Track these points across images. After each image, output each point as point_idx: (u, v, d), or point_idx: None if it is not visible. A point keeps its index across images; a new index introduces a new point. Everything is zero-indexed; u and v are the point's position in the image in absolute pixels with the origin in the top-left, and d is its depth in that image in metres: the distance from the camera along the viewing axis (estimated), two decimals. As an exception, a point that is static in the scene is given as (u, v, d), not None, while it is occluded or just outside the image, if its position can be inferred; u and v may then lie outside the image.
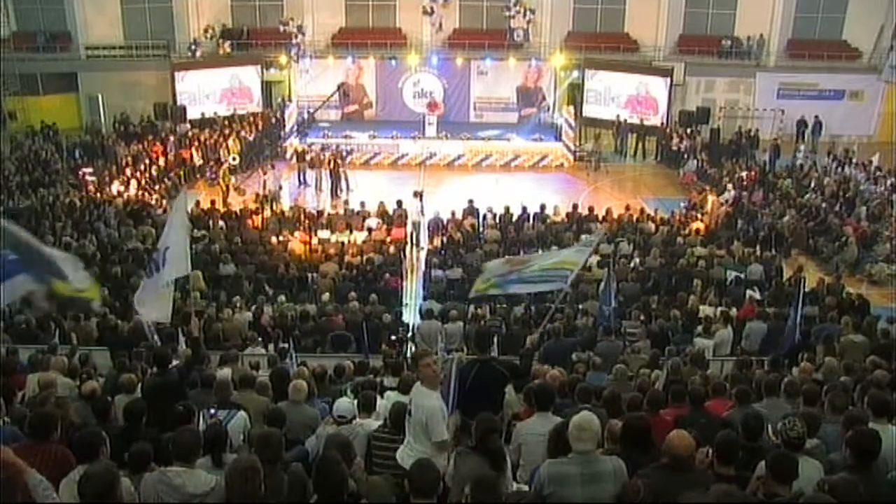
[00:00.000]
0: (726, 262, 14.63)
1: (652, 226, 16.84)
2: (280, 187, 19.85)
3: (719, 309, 11.87)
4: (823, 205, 18.41)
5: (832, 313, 11.01)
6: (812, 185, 20.02)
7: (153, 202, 18.56)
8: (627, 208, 17.93)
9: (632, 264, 14.63)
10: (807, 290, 13.54)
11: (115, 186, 19.07)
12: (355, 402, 5.97)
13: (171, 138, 22.61)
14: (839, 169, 21.36)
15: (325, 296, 13.00)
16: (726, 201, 18.95)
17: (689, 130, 24.13)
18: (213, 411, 5.80)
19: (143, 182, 19.54)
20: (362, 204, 17.70)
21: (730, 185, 19.86)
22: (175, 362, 6.81)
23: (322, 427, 5.74)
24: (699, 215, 18.19)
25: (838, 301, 12.24)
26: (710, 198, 19.04)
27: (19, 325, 10.43)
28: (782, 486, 3.90)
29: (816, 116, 24.86)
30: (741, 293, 13.12)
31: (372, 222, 16.85)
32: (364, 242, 15.87)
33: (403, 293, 14.33)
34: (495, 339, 10.95)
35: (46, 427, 4.42)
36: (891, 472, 4.31)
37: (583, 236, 8.48)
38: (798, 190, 19.69)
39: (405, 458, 4.86)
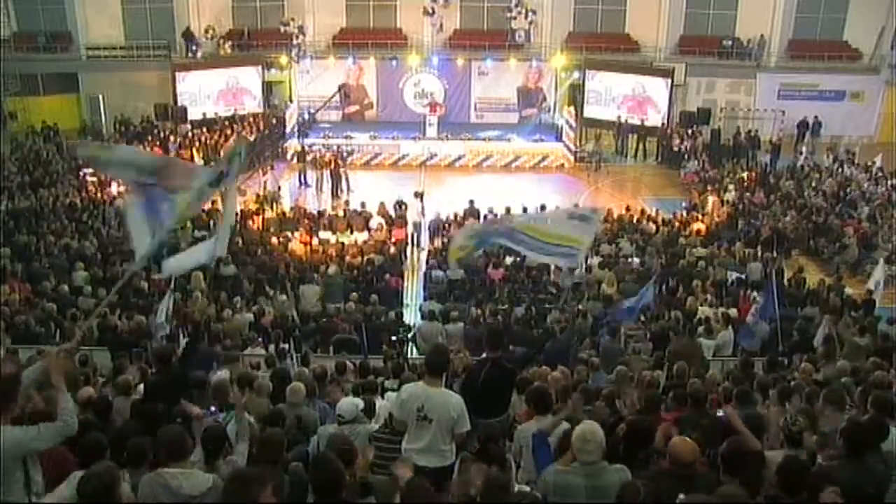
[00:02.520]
0: (727, 262, 14.65)
1: (653, 226, 16.85)
2: (279, 188, 19.84)
3: (720, 310, 11.88)
4: (824, 205, 18.40)
5: (825, 316, 11.03)
6: (813, 185, 20.02)
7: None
8: (628, 209, 17.94)
9: (631, 261, 14.67)
10: (807, 290, 13.65)
11: (116, 186, 19.07)
12: (357, 402, 5.97)
13: (172, 139, 22.60)
14: (840, 169, 21.36)
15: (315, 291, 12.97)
16: (727, 202, 18.94)
17: (689, 131, 24.13)
18: (213, 409, 5.80)
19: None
20: (363, 204, 17.70)
21: (731, 186, 19.84)
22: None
23: (324, 426, 5.74)
24: (700, 216, 18.18)
25: (840, 301, 12.27)
26: (711, 198, 19.03)
27: (19, 326, 10.42)
28: (791, 496, 3.74)
29: (816, 117, 24.84)
30: (741, 293, 13.13)
31: (373, 223, 16.86)
32: (365, 243, 15.87)
33: (404, 294, 14.33)
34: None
35: None
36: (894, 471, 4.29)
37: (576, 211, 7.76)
38: (799, 191, 19.69)
39: (434, 462, 4.83)
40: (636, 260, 14.93)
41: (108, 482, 3.51)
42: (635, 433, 4.73)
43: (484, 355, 5.55)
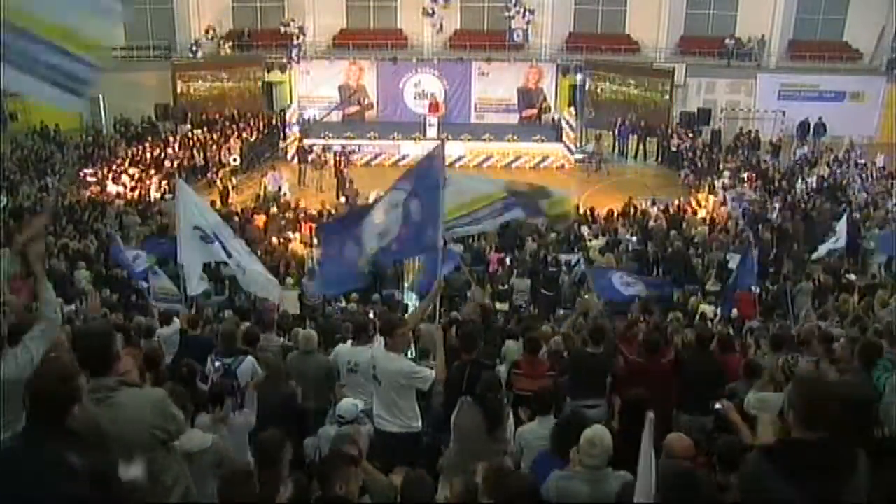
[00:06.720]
0: (727, 242, 14.82)
1: (653, 213, 17.12)
2: (280, 188, 19.85)
3: (720, 310, 11.88)
4: (825, 205, 18.40)
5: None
6: (813, 185, 20.04)
7: (153, 202, 18.56)
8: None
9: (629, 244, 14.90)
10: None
11: (115, 187, 19.09)
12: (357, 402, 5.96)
13: (172, 139, 22.60)
14: (839, 169, 21.37)
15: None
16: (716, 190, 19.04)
17: (689, 132, 24.13)
18: (216, 358, 5.84)
19: (144, 182, 19.54)
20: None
21: (725, 172, 19.95)
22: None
23: (324, 428, 5.73)
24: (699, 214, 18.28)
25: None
26: (711, 197, 19.07)
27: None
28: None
29: (820, 117, 24.83)
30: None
31: (373, 223, 16.82)
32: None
33: (404, 293, 14.30)
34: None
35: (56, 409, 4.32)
36: None
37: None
38: (798, 189, 19.70)
39: (396, 427, 5.19)
40: (634, 239, 15.12)
41: (106, 334, 3.58)
42: (630, 408, 4.72)
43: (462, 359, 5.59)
